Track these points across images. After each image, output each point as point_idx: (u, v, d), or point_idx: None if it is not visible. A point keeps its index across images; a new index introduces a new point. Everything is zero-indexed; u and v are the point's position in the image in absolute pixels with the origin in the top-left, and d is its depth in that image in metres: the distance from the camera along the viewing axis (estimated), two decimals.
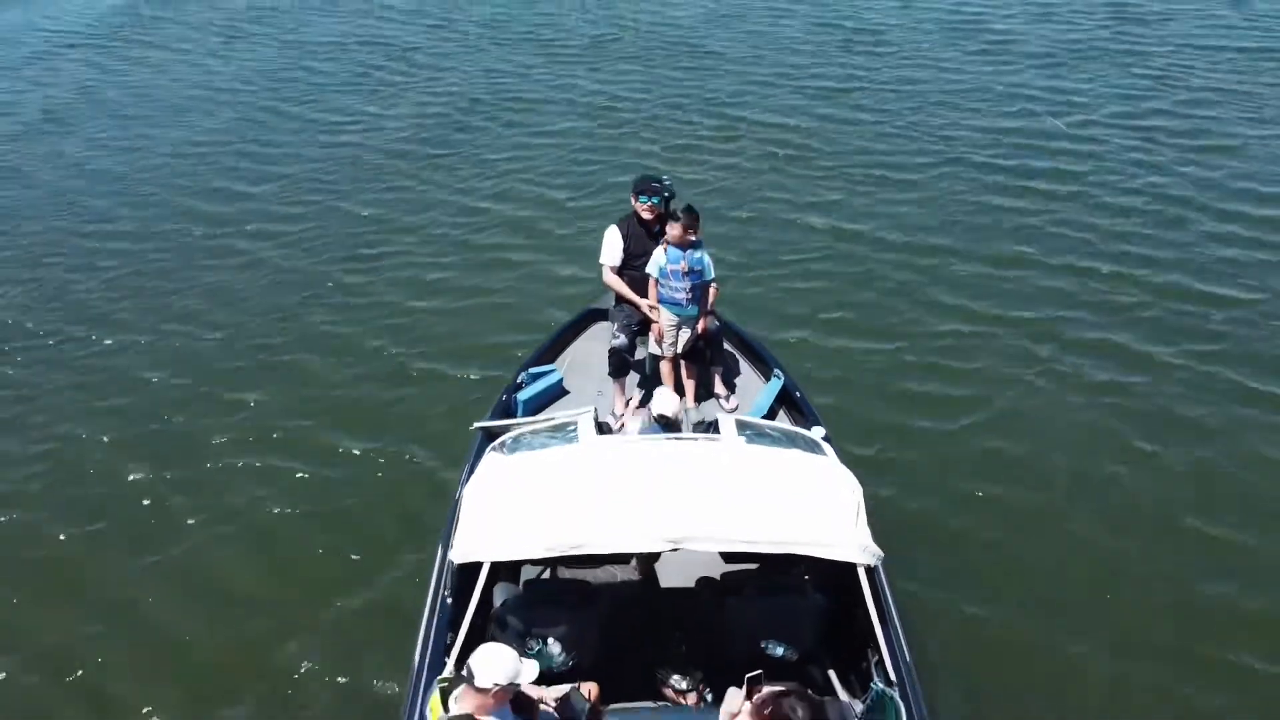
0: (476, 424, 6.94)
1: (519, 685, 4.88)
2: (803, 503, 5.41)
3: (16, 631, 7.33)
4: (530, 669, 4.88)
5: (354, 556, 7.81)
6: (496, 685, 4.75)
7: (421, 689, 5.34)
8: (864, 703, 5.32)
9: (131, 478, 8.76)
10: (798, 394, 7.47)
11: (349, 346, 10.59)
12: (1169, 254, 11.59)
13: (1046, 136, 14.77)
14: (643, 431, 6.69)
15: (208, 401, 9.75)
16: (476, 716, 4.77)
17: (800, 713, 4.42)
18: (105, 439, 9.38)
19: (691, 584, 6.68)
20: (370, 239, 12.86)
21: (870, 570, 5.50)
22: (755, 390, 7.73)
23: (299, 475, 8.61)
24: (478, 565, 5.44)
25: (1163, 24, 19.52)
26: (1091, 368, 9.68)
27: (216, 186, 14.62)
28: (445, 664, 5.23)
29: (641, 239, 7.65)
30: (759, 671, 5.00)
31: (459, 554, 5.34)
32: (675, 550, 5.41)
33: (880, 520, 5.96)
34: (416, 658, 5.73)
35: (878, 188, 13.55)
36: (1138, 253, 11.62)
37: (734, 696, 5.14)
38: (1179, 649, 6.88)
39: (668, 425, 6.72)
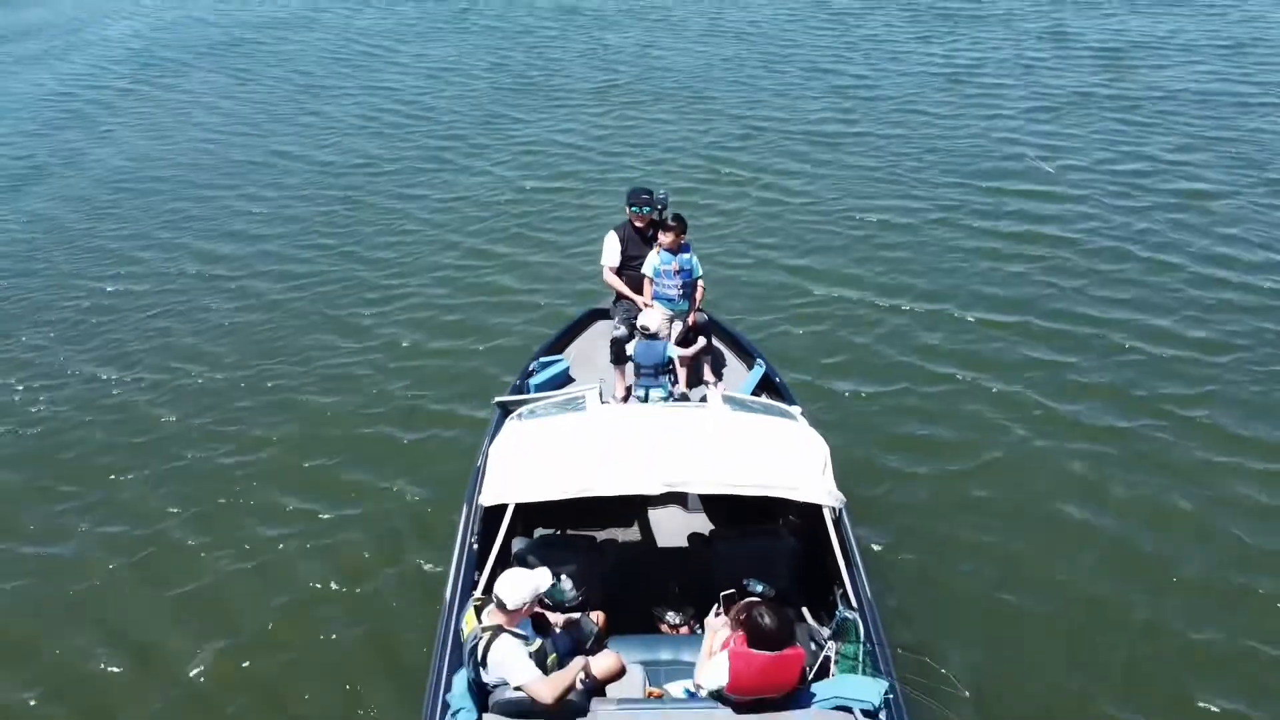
0: (496, 399, 8.01)
1: (540, 596, 5.93)
2: (777, 455, 6.50)
3: (44, 661, 7.98)
4: (545, 575, 5.91)
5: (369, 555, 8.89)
6: (524, 604, 5.79)
7: (455, 610, 6.36)
8: (831, 627, 6.32)
9: (163, 509, 9.50)
10: (777, 379, 8.57)
11: (359, 383, 11.23)
12: (1157, 301, 11.93)
13: (1036, 183, 15.13)
14: (636, 345, 8.29)
15: (224, 437, 10.49)
16: (505, 627, 5.79)
17: (767, 618, 5.47)
18: (129, 476, 9.99)
19: (684, 543, 7.72)
20: (378, 280, 13.51)
21: (836, 516, 6.55)
22: (740, 377, 8.82)
23: (314, 508, 9.39)
24: (499, 518, 6.47)
25: (1154, 72, 19.80)
26: (1074, 411, 10.09)
27: (228, 230, 15.37)
28: (473, 595, 6.22)
29: (636, 243, 8.78)
30: (732, 590, 6.04)
31: (488, 498, 6.37)
32: (670, 491, 6.44)
33: (850, 485, 7.08)
34: (448, 591, 6.77)
35: (870, 235, 13.93)
36: (1126, 299, 11.98)
37: (714, 614, 6.18)
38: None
39: (650, 338, 8.26)
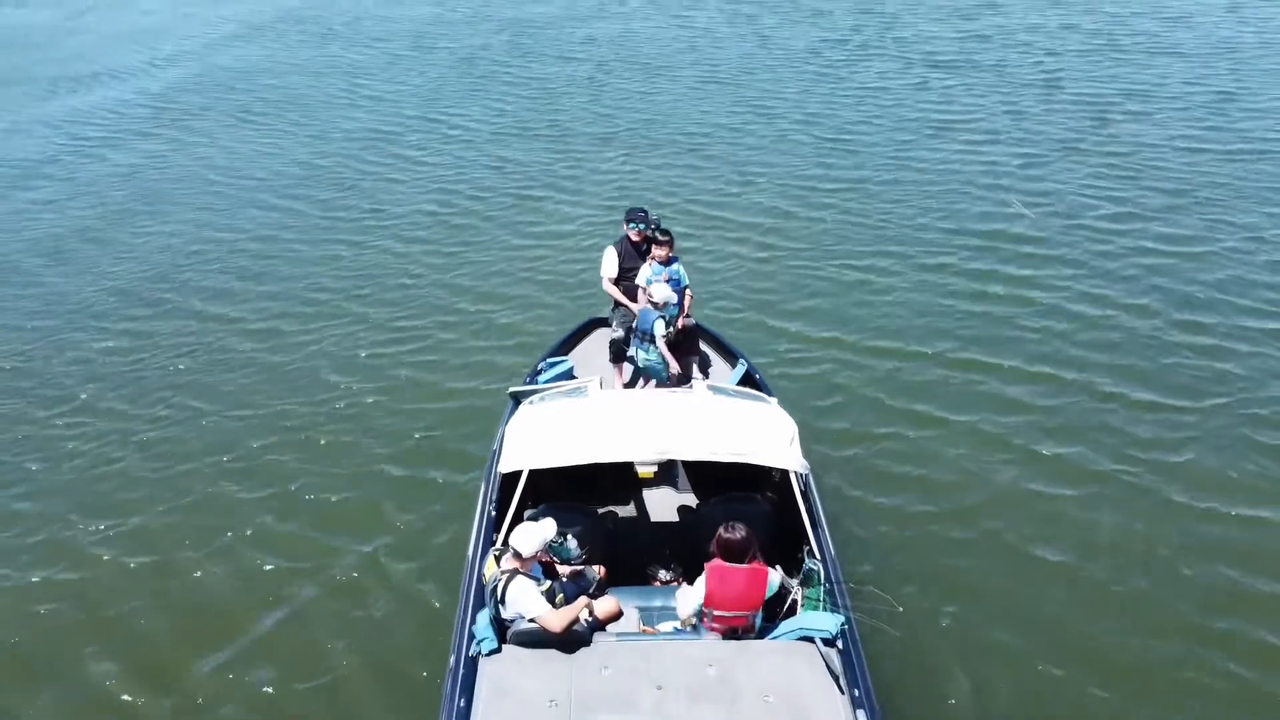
0: (510, 389, 9.23)
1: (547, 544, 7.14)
2: (751, 429, 7.78)
3: (74, 685, 8.66)
4: (550, 525, 7.11)
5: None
6: (535, 551, 6.98)
7: (477, 561, 7.57)
8: (799, 576, 7.49)
9: (132, 562, 10.11)
10: (757, 376, 9.81)
11: (344, 449, 11.61)
12: (1135, 363, 12.33)
13: (1020, 240, 15.63)
14: (643, 312, 9.73)
15: (201, 489, 11.10)
16: (520, 570, 6.98)
17: (733, 533, 6.72)
18: (100, 527, 10.58)
19: (675, 517, 8.92)
20: (372, 337, 14.01)
21: (804, 487, 7.75)
22: (725, 374, 10.04)
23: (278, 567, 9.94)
24: (514, 486, 7.66)
25: (1142, 122, 20.29)
26: (1049, 472, 10.61)
27: (221, 285, 15.93)
28: (492, 548, 7.41)
29: (632, 256, 10.07)
30: None
31: (506, 465, 7.62)
32: (661, 473, 7.69)
33: (816, 459, 8.32)
34: (470, 550, 7.97)
35: (854, 290, 14.46)
36: (1105, 361, 12.40)
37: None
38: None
39: (654, 305, 9.70)
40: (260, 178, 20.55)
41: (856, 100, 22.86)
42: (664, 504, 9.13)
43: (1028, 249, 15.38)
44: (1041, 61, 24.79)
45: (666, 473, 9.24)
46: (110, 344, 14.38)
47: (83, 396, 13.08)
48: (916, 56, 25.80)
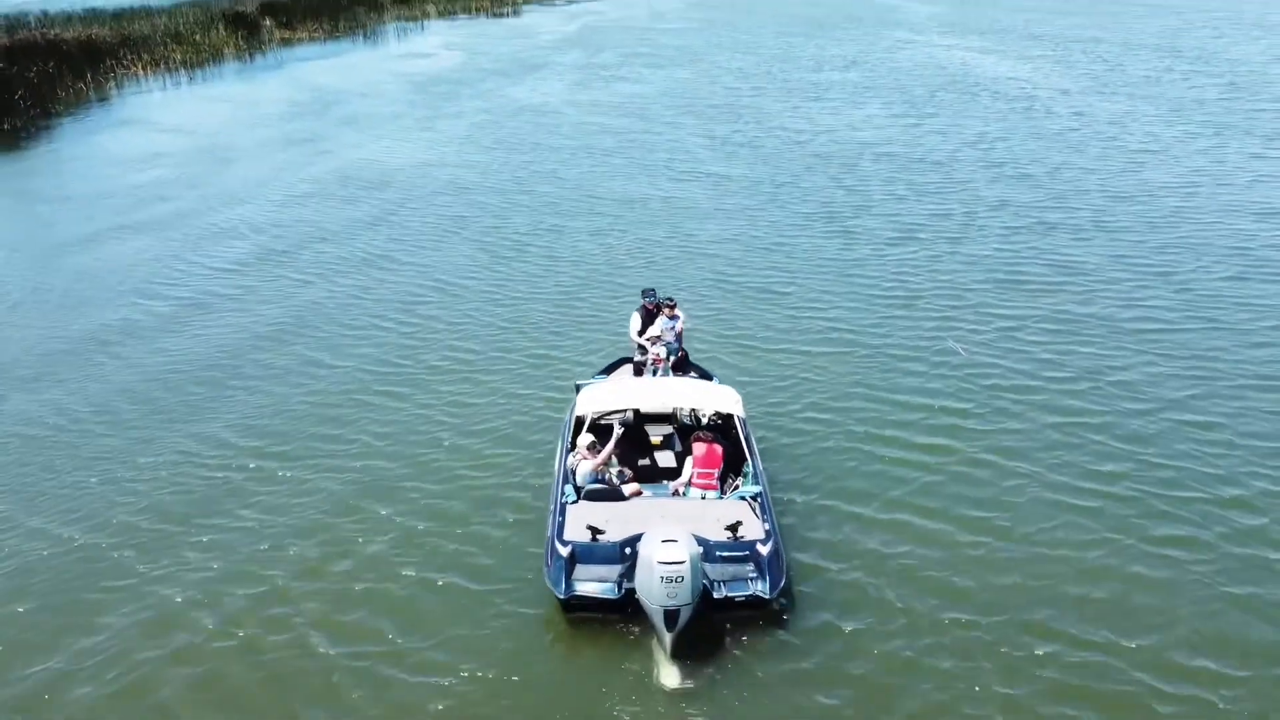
0: (576, 383, 16.04)
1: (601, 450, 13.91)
2: (715, 395, 14.97)
3: None
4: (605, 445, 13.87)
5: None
6: (595, 445, 13.72)
7: (562, 464, 14.24)
8: (741, 475, 14.15)
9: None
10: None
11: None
12: (1048, 548, 14.03)
13: (953, 394, 18.17)
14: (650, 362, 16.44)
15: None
16: (585, 458, 13.72)
17: (702, 430, 13.45)
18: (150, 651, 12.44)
19: (674, 464, 15.55)
20: (409, 475, 16.10)
21: (744, 427, 14.52)
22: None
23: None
24: (581, 429, 14.37)
25: (1081, 299, 22.22)
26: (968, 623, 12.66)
27: (266, 424, 17.80)
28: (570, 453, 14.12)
29: (648, 318, 16.94)
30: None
31: (580, 411, 14.55)
32: (666, 438, 14.82)
33: (758, 419, 15.14)
34: (556, 464, 14.73)
35: (793, 437, 16.91)
36: (1021, 529, 14.45)
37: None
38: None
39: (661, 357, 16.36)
40: (303, 332, 21.84)
41: (836, 273, 24.44)
42: (667, 460, 15.80)
43: (960, 404, 17.86)
44: (993, 236, 26.25)
45: (668, 441, 15.88)
46: (179, 460, 16.69)
47: (166, 503, 15.43)
48: (883, 229, 27.24)
